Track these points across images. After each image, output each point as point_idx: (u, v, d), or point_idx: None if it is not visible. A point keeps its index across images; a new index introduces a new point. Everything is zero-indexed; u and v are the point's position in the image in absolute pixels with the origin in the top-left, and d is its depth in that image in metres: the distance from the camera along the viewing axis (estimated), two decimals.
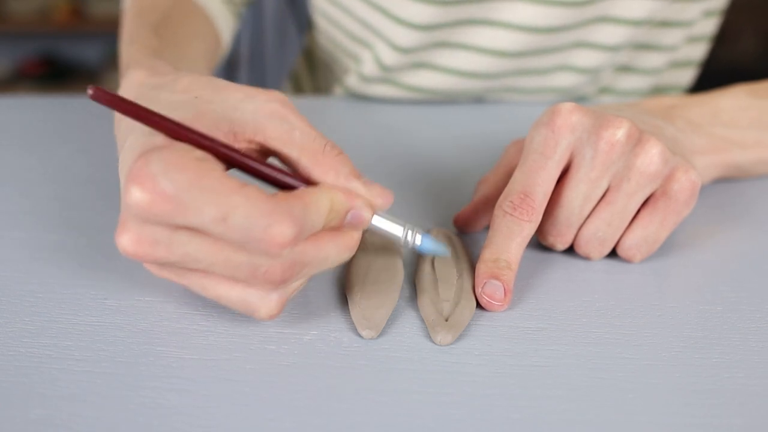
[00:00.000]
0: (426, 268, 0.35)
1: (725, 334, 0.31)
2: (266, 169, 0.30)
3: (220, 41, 0.60)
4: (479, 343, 0.31)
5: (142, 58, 0.43)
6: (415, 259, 0.37)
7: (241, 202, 0.27)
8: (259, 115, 0.31)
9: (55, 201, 0.44)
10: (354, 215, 0.30)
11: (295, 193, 0.29)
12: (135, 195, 0.27)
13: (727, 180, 0.45)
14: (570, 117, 0.34)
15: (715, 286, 0.34)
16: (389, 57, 0.57)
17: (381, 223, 0.32)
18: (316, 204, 0.29)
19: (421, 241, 0.32)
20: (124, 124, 0.32)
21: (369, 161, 0.49)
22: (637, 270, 0.36)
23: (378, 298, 0.32)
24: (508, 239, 0.33)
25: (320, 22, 0.64)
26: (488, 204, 0.39)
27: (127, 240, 0.28)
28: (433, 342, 0.31)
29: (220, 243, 0.28)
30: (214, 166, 0.28)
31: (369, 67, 0.59)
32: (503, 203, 0.34)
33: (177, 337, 0.31)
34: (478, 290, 0.32)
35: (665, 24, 0.56)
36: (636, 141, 0.34)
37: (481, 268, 0.33)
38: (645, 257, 0.36)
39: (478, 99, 0.61)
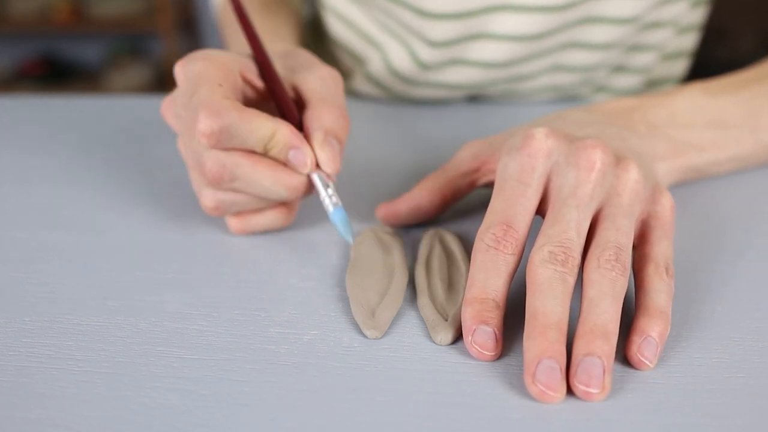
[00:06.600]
0: (426, 267, 0.35)
1: (725, 334, 0.31)
2: (278, 85, 0.37)
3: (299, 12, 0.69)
4: None
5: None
6: (415, 260, 0.37)
7: (206, 90, 0.33)
8: (317, 71, 0.38)
9: (55, 201, 0.44)
10: (295, 155, 0.35)
11: (246, 108, 0.34)
12: None
13: (716, 183, 0.45)
14: (546, 142, 0.33)
15: (715, 286, 0.34)
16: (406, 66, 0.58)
17: (317, 182, 0.36)
18: (253, 123, 0.34)
19: (333, 212, 0.35)
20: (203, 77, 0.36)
21: (365, 161, 0.49)
22: None
23: (381, 299, 0.32)
24: (494, 276, 0.30)
25: (332, 22, 0.64)
26: (417, 203, 0.39)
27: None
28: (433, 342, 0.31)
29: (188, 124, 0.35)
30: (233, 81, 0.36)
31: (376, 67, 0.59)
32: (484, 236, 0.31)
33: (177, 337, 0.31)
34: (468, 338, 0.29)
35: (655, 25, 0.56)
36: (615, 163, 0.33)
37: (468, 312, 0.30)
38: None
39: (470, 100, 0.61)
